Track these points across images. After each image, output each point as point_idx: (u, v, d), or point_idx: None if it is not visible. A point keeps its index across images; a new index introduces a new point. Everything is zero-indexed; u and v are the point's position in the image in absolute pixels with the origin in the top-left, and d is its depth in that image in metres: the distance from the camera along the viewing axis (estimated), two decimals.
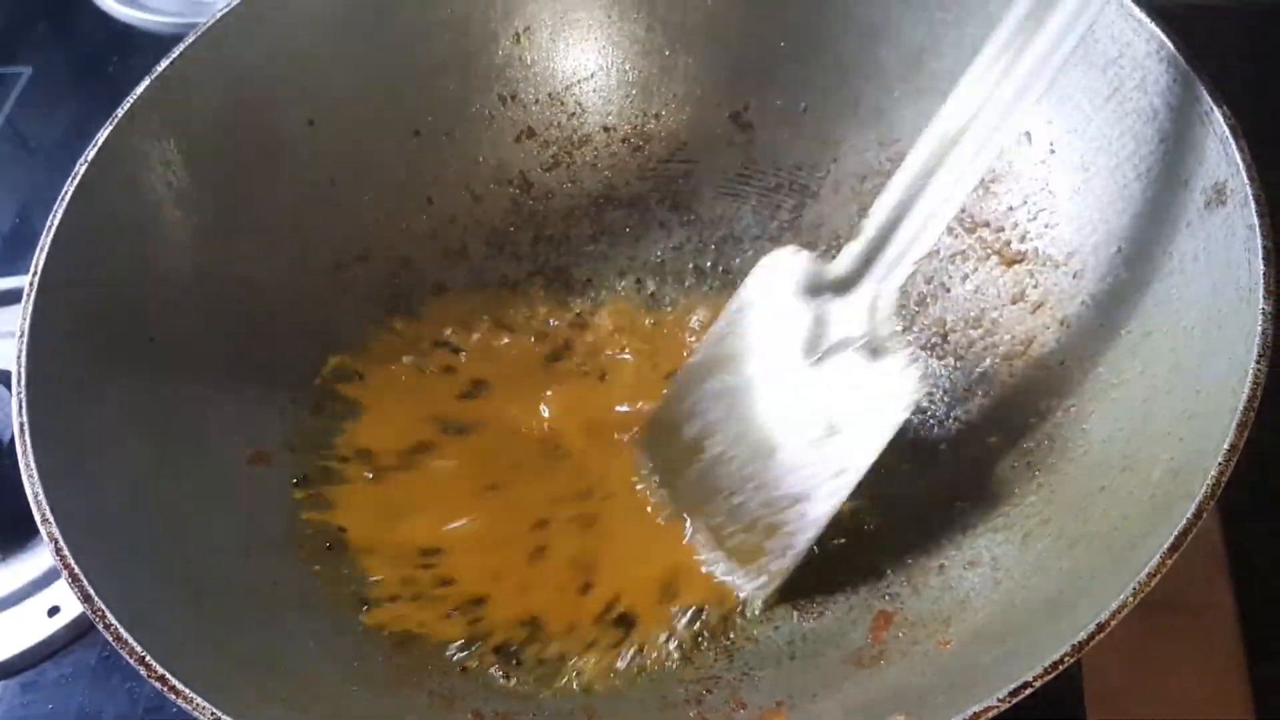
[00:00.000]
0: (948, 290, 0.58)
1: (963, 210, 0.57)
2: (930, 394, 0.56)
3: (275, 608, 0.48)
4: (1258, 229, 0.42)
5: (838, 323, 0.49)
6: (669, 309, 0.62)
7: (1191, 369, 0.44)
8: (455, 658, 0.50)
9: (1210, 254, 0.45)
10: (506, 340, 0.62)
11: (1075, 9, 0.43)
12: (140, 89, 0.53)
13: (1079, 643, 0.36)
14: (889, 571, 0.51)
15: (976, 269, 0.57)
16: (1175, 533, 0.37)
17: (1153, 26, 0.48)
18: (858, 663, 0.47)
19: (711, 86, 0.63)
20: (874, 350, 0.48)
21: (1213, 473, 0.38)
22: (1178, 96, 0.47)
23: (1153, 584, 0.37)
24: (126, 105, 0.52)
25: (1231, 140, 0.44)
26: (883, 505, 0.53)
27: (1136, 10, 0.48)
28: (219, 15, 0.55)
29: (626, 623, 0.51)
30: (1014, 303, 0.55)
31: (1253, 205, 0.43)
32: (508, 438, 0.58)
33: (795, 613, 0.51)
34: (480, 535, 0.55)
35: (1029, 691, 0.36)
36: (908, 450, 0.54)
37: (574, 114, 0.64)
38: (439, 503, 0.56)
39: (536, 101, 0.63)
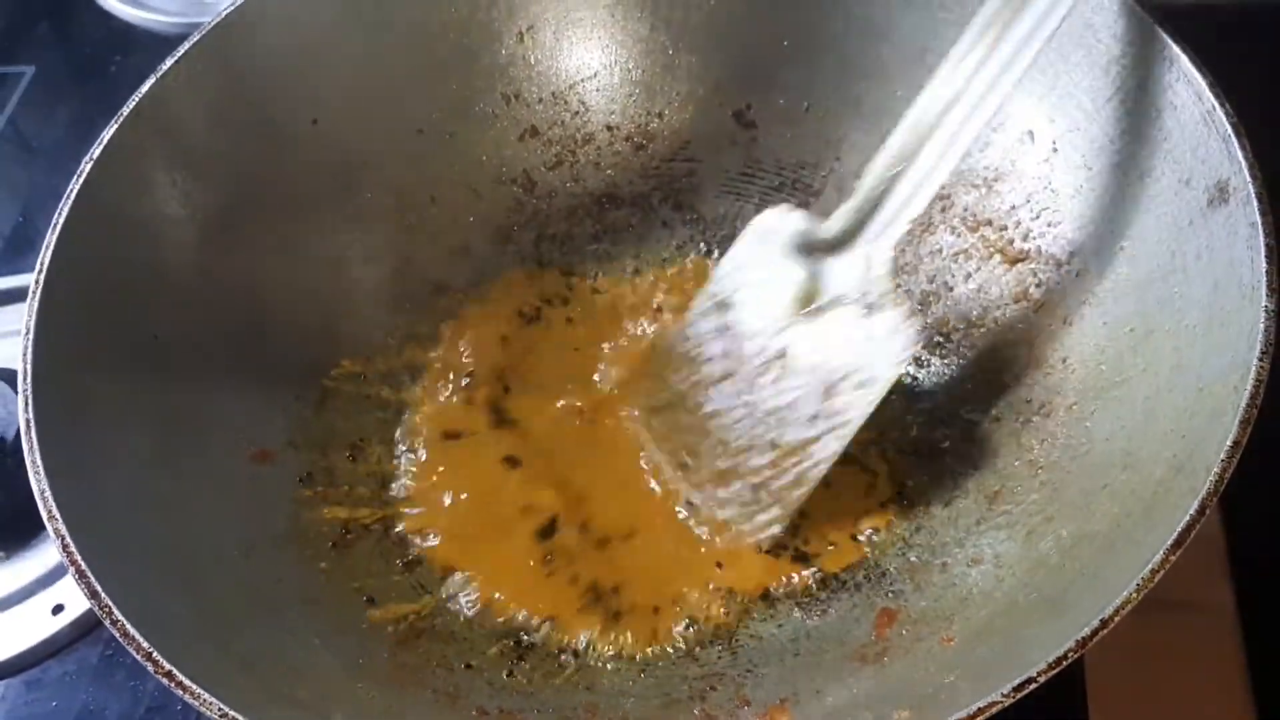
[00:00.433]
0: (950, 289, 0.58)
1: (965, 209, 0.58)
2: (933, 392, 0.56)
3: (279, 605, 0.49)
4: (1260, 227, 0.42)
5: (833, 280, 0.50)
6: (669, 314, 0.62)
7: (1194, 367, 0.44)
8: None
9: (1213, 252, 0.45)
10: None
11: None
12: (145, 88, 0.53)
13: (1082, 639, 0.36)
14: (892, 569, 0.51)
15: (979, 268, 0.57)
16: (1178, 530, 0.37)
17: (1155, 26, 0.48)
18: (861, 659, 0.47)
19: (714, 85, 0.63)
20: (869, 306, 0.49)
21: (1215, 470, 0.38)
22: (1180, 95, 0.47)
23: (1155, 580, 0.37)
24: (131, 104, 0.53)
25: (1234, 138, 0.44)
26: (885, 503, 0.53)
27: (1138, 9, 0.48)
28: (222, 14, 0.55)
29: (629, 620, 0.51)
30: (1016, 301, 0.55)
31: (1255, 203, 0.43)
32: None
33: (799, 610, 0.51)
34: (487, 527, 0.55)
35: (1033, 687, 0.36)
36: (910, 448, 0.55)
37: (577, 113, 0.64)
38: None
39: (540, 100, 0.64)
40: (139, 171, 0.53)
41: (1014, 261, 0.55)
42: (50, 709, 0.56)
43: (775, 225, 0.51)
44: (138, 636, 0.39)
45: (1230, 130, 0.45)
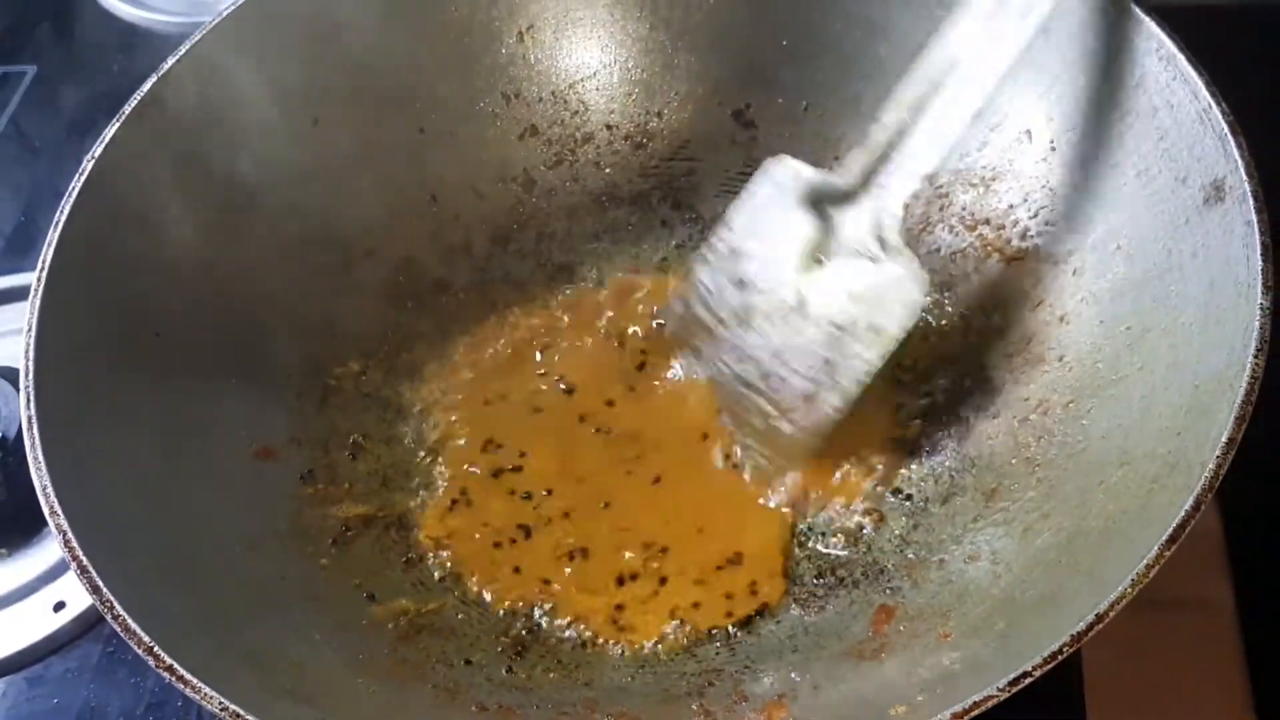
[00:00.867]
0: (949, 288, 0.58)
1: (963, 208, 0.58)
2: (931, 390, 0.56)
3: (280, 601, 0.49)
4: (1255, 225, 0.43)
5: (843, 231, 0.50)
6: None
7: (1190, 364, 0.44)
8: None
9: (1209, 250, 0.45)
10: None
11: None
12: (146, 87, 0.53)
13: (1077, 633, 0.36)
14: (890, 566, 0.51)
15: (977, 267, 0.57)
16: (1173, 526, 0.38)
17: (1151, 25, 0.48)
18: (859, 655, 0.47)
19: (713, 85, 0.63)
20: (879, 257, 0.49)
21: (1210, 466, 0.38)
22: (1176, 94, 0.47)
23: (1150, 575, 0.37)
24: (133, 103, 0.53)
25: (1230, 137, 0.45)
26: (884, 502, 0.53)
27: (1136, 9, 0.49)
28: (223, 14, 0.56)
29: (631, 617, 0.52)
30: (1014, 300, 0.55)
31: (1251, 202, 0.43)
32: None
33: (797, 607, 0.51)
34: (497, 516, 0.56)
35: (1028, 681, 0.36)
36: (909, 445, 0.55)
37: (577, 112, 0.64)
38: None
39: (540, 100, 0.64)
40: (141, 170, 0.53)
41: (1011, 260, 0.55)
42: (52, 706, 0.56)
43: (786, 176, 0.52)
44: (139, 631, 0.40)
45: (1226, 129, 0.45)
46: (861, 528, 0.53)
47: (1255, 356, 0.40)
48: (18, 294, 0.69)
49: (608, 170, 0.65)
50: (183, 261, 0.54)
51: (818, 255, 0.51)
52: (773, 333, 0.52)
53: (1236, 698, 0.50)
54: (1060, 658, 0.36)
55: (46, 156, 0.83)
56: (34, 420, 0.45)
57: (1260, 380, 0.40)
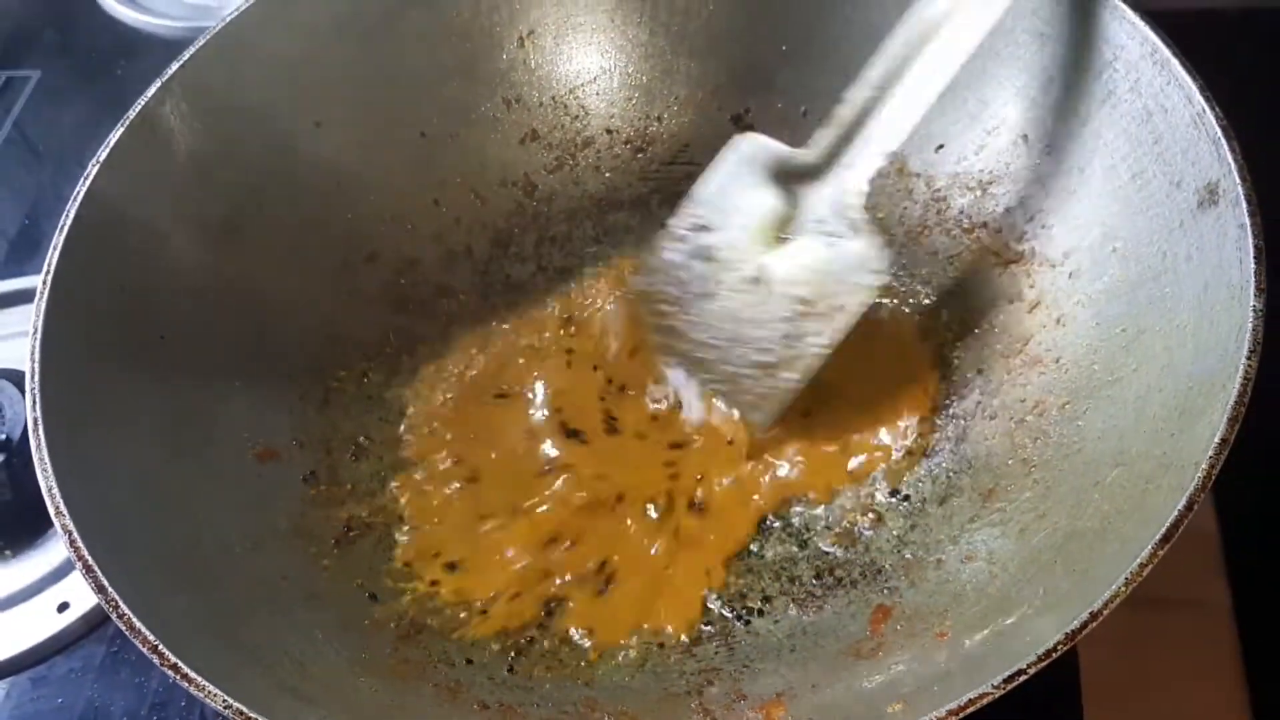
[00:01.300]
0: (946, 291, 0.58)
1: (960, 212, 0.58)
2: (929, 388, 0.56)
3: (283, 600, 0.49)
4: (1248, 228, 0.43)
5: (807, 207, 0.52)
6: None
7: (1184, 366, 0.44)
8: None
9: (1203, 253, 0.45)
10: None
11: None
12: (150, 92, 0.54)
13: (1071, 631, 0.37)
14: (887, 567, 0.51)
15: (974, 270, 0.57)
16: (1166, 525, 0.38)
17: (1146, 30, 0.49)
18: (857, 654, 0.47)
19: (713, 90, 0.64)
20: (842, 233, 0.51)
21: (1204, 466, 0.39)
22: (1171, 98, 0.48)
23: (1144, 574, 0.37)
24: (137, 107, 0.53)
25: (1223, 141, 0.45)
26: (881, 503, 0.54)
27: (1130, 14, 0.49)
28: (227, 19, 0.56)
29: (632, 612, 0.52)
30: (1011, 302, 0.55)
31: (1244, 205, 0.44)
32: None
33: (795, 607, 0.51)
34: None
35: (1024, 678, 0.36)
36: (906, 449, 0.55)
37: (577, 117, 0.65)
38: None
39: (540, 105, 0.64)
40: (144, 174, 0.53)
41: (1008, 263, 0.56)
42: (56, 705, 0.56)
43: (752, 152, 0.53)
44: (144, 630, 0.40)
45: (1220, 133, 0.45)
46: (860, 528, 0.53)
47: (1248, 358, 0.40)
48: (23, 297, 0.70)
49: (608, 174, 0.65)
50: (186, 265, 0.55)
51: (782, 231, 0.52)
52: (735, 305, 0.54)
53: (1232, 696, 0.51)
54: (1054, 655, 0.36)
55: (50, 161, 0.84)
56: (39, 422, 0.45)
57: (1253, 381, 0.40)
